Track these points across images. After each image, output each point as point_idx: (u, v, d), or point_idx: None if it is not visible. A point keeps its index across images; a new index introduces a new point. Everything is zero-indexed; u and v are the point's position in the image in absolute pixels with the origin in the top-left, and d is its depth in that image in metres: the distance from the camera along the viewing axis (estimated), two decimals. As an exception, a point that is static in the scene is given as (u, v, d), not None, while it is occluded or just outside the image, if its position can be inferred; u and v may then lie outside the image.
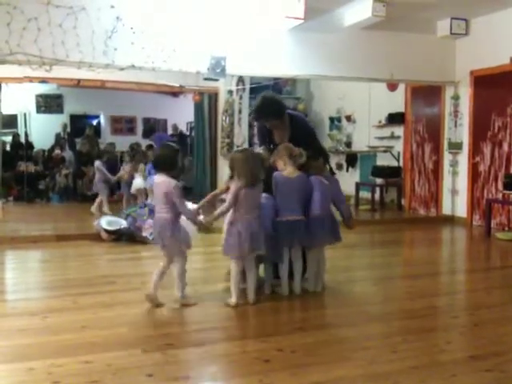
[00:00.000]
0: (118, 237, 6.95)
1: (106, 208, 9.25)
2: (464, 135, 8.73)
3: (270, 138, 4.81)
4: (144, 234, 6.83)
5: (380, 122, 10.65)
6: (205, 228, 4.33)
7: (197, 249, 6.43)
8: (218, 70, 7.28)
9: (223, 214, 4.19)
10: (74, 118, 15.18)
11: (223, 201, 4.28)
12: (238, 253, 4.08)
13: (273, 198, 4.40)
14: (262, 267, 4.55)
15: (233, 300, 4.12)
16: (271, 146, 4.74)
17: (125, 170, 9.76)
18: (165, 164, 4.13)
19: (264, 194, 4.36)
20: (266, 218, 4.27)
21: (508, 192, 7.55)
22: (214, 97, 11.78)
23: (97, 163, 9.75)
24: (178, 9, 7.04)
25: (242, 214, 4.05)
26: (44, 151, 12.81)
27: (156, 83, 9.84)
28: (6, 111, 11.76)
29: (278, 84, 11.66)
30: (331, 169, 4.95)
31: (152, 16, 6.90)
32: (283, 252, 4.41)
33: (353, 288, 4.88)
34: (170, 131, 14.91)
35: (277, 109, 4.68)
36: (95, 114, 15.61)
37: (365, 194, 10.55)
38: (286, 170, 4.40)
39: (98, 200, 9.37)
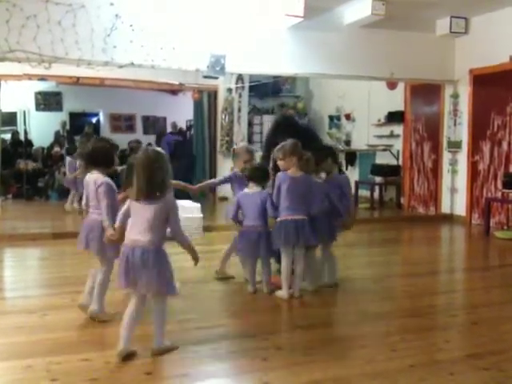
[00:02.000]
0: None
1: (68, 204, 9.28)
2: (463, 134, 8.73)
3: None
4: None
5: (379, 120, 10.64)
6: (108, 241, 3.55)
7: (198, 247, 6.44)
8: (218, 68, 7.27)
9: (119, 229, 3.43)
10: (73, 116, 15.16)
11: None
12: (118, 285, 3.18)
13: (266, 194, 4.40)
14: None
15: (120, 347, 3.08)
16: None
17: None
18: (99, 159, 3.70)
19: (252, 190, 4.38)
20: (252, 214, 4.32)
21: (507, 191, 7.54)
22: (213, 95, 11.77)
23: (68, 159, 9.79)
24: (177, 7, 7.03)
25: (129, 236, 3.12)
26: (43, 149, 12.80)
27: (155, 81, 9.83)
28: (5, 109, 11.75)
29: (277, 82, 11.67)
30: (340, 168, 5.00)
31: (151, 14, 6.89)
32: (286, 252, 4.37)
33: (352, 286, 4.88)
34: (169, 129, 14.88)
35: (295, 129, 5.06)
36: (94, 111, 15.59)
37: (364, 193, 10.55)
38: (290, 168, 4.38)
39: (76, 196, 9.38)
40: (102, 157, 3.72)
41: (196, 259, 3.26)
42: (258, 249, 4.38)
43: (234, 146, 5.15)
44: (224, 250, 4.98)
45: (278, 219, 4.32)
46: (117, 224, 3.37)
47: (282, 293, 4.35)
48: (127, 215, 3.24)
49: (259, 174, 4.50)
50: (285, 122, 5.48)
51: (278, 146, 4.45)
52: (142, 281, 3.03)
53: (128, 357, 3.03)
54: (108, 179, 3.65)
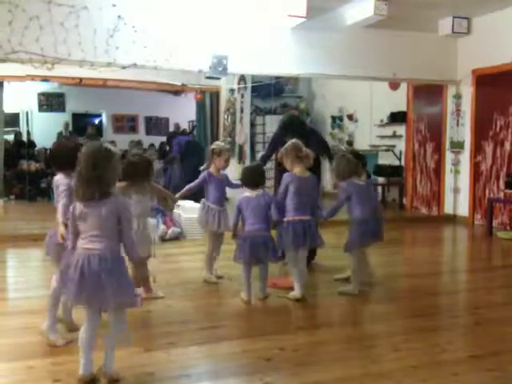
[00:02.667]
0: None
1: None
2: (466, 134, 8.72)
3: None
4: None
5: (382, 120, 10.63)
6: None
7: (198, 248, 6.44)
8: (220, 69, 7.28)
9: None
10: (76, 117, 15.22)
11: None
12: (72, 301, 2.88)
13: (270, 196, 4.35)
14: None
15: (80, 372, 2.80)
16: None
17: None
18: (60, 161, 3.49)
19: (253, 193, 4.25)
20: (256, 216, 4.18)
21: (510, 191, 7.53)
22: (215, 95, 11.79)
23: None
24: (179, 8, 7.04)
25: (81, 245, 2.78)
26: (46, 150, 12.81)
27: (158, 82, 9.84)
28: (8, 109, 11.78)
29: (279, 83, 11.67)
30: (367, 172, 5.14)
31: (154, 15, 6.90)
32: (296, 254, 4.28)
33: (354, 287, 4.87)
34: (171, 129, 14.89)
35: (302, 128, 5.47)
36: (97, 112, 15.63)
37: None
38: (294, 169, 4.32)
39: None
40: (63, 158, 3.48)
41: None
42: (263, 254, 4.18)
43: (214, 146, 5.14)
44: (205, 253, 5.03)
45: (285, 219, 4.24)
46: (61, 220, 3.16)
47: (295, 293, 4.28)
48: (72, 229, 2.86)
49: (255, 178, 4.33)
50: (292, 122, 5.59)
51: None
52: (100, 293, 2.68)
53: (92, 382, 2.76)
54: (68, 181, 3.32)
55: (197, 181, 5.06)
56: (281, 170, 5.54)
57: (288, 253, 4.34)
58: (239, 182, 4.78)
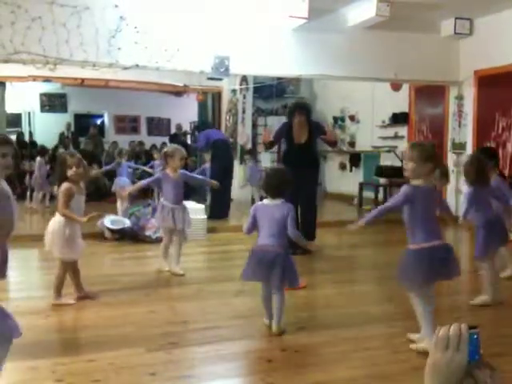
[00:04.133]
0: (122, 236, 6.96)
1: (34, 203, 9.72)
2: (468, 135, 8.71)
3: (289, 136, 6.25)
4: (147, 233, 6.84)
5: (384, 121, 10.63)
6: None
7: (198, 249, 6.46)
8: (222, 70, 7.28)
9: None
10: (78, 117, 15.23)
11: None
12: None
13: (288, 208, 3.65)
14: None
15: None
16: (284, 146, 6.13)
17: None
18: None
19: (272, 201, 3.68)
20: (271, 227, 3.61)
21: (512, 192, 7.52)
22: (217, 96, 11.78)
23: (39, 159, 10.14)
24: (181, 8, 7.04)
25: None
26: (48, 150, 12.85)
27: (159, 82, 9.85)
28: (11, 110, 11.82)
29: (281, 84, 11.67)
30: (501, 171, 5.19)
31: (156, 15, 6.90)
32: (422, 292, 3.48)
33: (356, 288, 4.88)
34: (173, 130, 14.91)
35: (309, 110, 6.48)
36: (99, 113, 15.65)
37: (368, 194, 10.54)
38: (420, 179, 3.37)
39: (38, 195, 9.86)
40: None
41: None
42: (270, 273, 3.56)
43: (166, 149, 5.36)
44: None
45: (412, 247, 3.42)
46: None
47: (425, 343, 3.23)
48: None
49: (279, 185, 3.70)
50: (297, 104, 6.06)
51: (413, 143, 3.66)
52: None
53: None
54: None
55: (150, 179, 5.50)
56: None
57: (416, 289, 3.46)
58: (201, 176, 5.15)
